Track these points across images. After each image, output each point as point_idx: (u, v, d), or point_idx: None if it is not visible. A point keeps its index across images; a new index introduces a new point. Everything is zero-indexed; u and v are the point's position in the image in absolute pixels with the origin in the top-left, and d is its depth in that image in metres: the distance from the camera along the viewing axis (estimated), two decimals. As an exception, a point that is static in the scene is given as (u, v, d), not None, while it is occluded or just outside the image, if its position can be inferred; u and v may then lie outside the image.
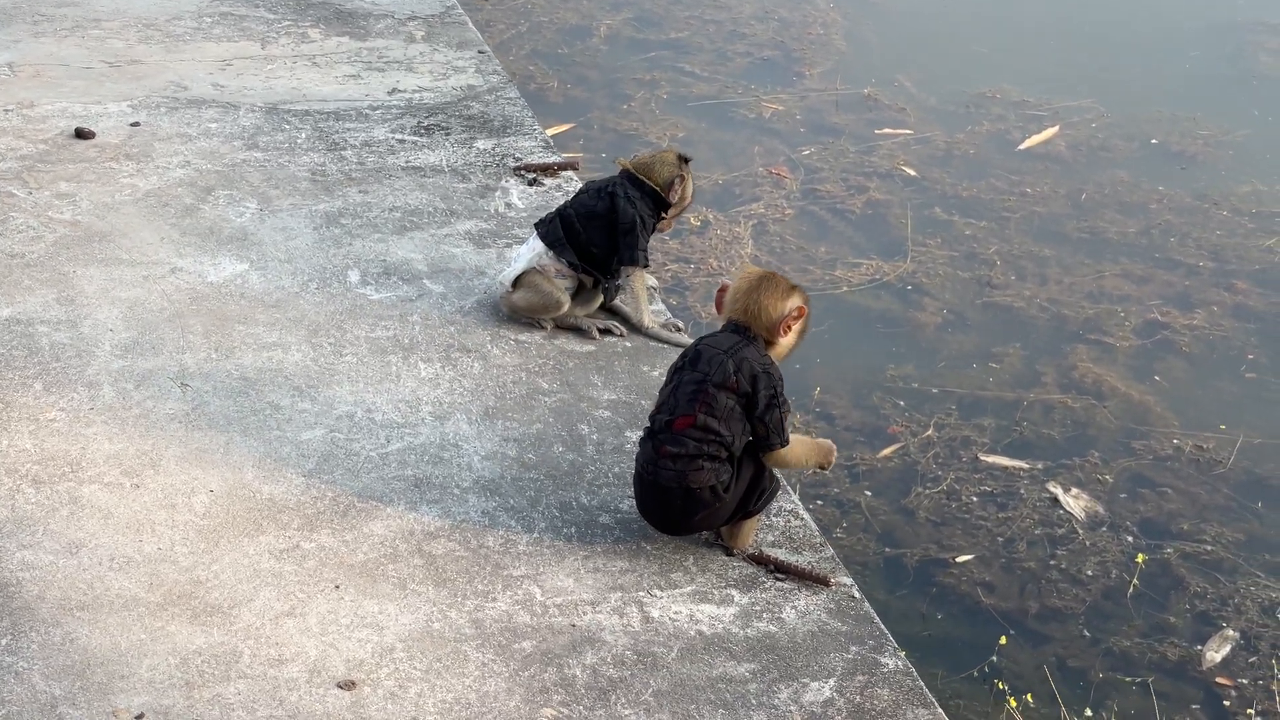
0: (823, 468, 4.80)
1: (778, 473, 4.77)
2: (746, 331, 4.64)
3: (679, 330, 5.84)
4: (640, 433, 4.97)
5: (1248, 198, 8.37)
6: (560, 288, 5.72)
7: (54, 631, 4.23)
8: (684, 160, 5.79)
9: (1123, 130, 9.14)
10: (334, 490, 4.86)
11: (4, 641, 4.18)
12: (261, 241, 6.26)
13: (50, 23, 8.26)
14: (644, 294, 5.83)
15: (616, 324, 5.83)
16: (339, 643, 4.26)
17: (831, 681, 4.23)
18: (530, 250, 5.77)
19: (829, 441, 4.81)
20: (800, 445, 4.71)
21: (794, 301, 4.67)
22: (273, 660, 4.18)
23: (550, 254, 5.72)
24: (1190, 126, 9.18)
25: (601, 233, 5.70)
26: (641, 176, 5.72)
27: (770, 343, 4.66)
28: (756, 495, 4.64)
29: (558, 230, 5.72)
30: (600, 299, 5.87)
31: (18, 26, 8.19)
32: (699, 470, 4.52)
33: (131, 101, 7.40)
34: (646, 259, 5.74)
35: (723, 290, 4.77)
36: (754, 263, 7.41)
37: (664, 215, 5.78)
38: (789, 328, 4.67)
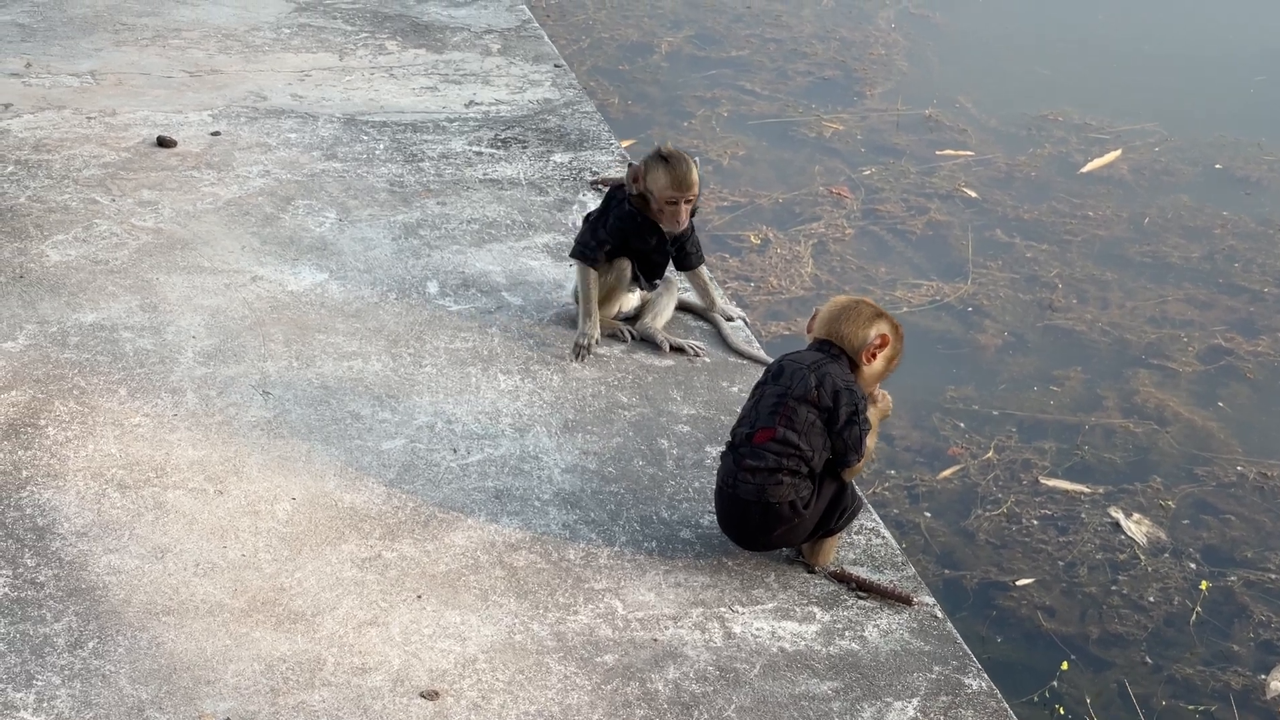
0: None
1: (858, 489, 4.80)
2: (831, 348, 4.69)
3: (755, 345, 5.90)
4: (720, 448, 5.01)
5: (1313, 224, 8.39)
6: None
7: (140, 636, 4.28)
8: (655, 155, 5.66)
9: (1186, 154, 9.14)
10: (415, 500, 4.91)
11: (92, 644, 4.24)
12: (341, 251, 6.32)
13: (131, 32, 8.35)
14: (670, 305, 5.94)
15: (697, 343, 5.87)
16: (421, 652, 4.30)
17: (915, 701, 4.25)
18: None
19: (882, 397, 4.84)
20: (872, 441, 4.73)
21: (879, 328, 4.69)
22: (356, 669, 4.22)
23: None
24: (1254, 151, 9.19)
25: None
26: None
27: (856, 366, 4.71)
28: (838, 514, 4.66)
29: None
30: (669, 309, 5.93)
31: (100, 35, 8.28)
32: (778, 485, 4.55)
33: (212, 111, 7.48)
34: (580, 252, 5.74)
35: (815, 315, 4.81)
36: (813, 282, 7.45)
37: (649, 214, 5.73)
38: (874, 355, 4.70)
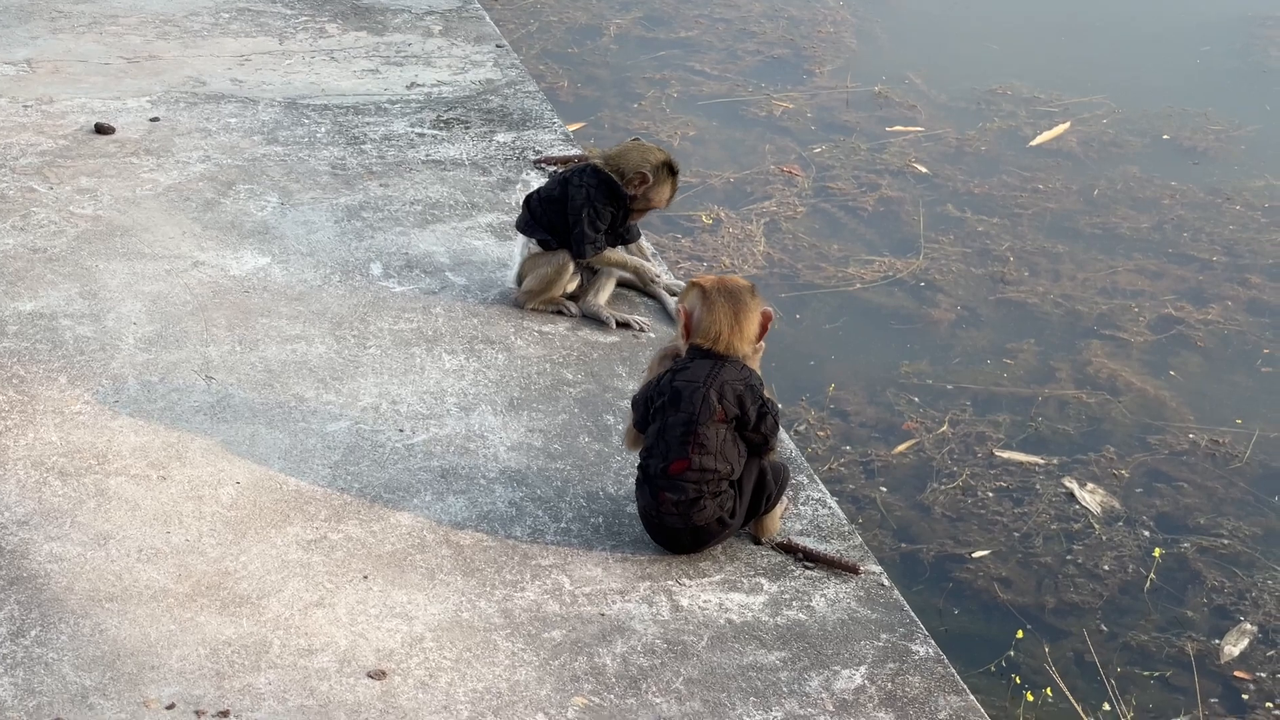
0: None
1: (780, 458, 4.76)
2: (714, 355, 4.58)
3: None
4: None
5: (1260, 192, 8.39)
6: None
7: (83, 623, 4.24)
8: (666, 166, 5.72)
9: (1134, 126, 9.16)
10: (360, 481, 4.87)
11: (34, 633, 4.19)
12: (283, 235, 6.27)
13: (68, 19, 8.27)
14: (611, 282, 5.92)
15: (642, 319, 5.85)
16: (368, 632, 4.27)
17: (863, 669, 4.24)
18: (519, 244, 5.90)
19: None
20: None
21: (761, 308, 4.62)
22: (302, 650, 4.19)
23: (532, 240, 5.80)
24: (1202, 121, 9.21)
25: (558, 216, 5.76)
26: (603, 166, 5.73)
27: (746, 354, 4.64)
28: (765, 498, 4.64)
29: (525, 215, 5.84)
30: (611, 285, 5.90)
31: (36, 23, 8.20)
32: (702, 510, 4.53)
33: (150, 97, 7.41)
34: (593, 249, 5.71)
35: (686, 316, 4.65)
36: (766, 261, 7.42)
37: (631, 208, 5.78)
38: (764, 331, 4.66)
